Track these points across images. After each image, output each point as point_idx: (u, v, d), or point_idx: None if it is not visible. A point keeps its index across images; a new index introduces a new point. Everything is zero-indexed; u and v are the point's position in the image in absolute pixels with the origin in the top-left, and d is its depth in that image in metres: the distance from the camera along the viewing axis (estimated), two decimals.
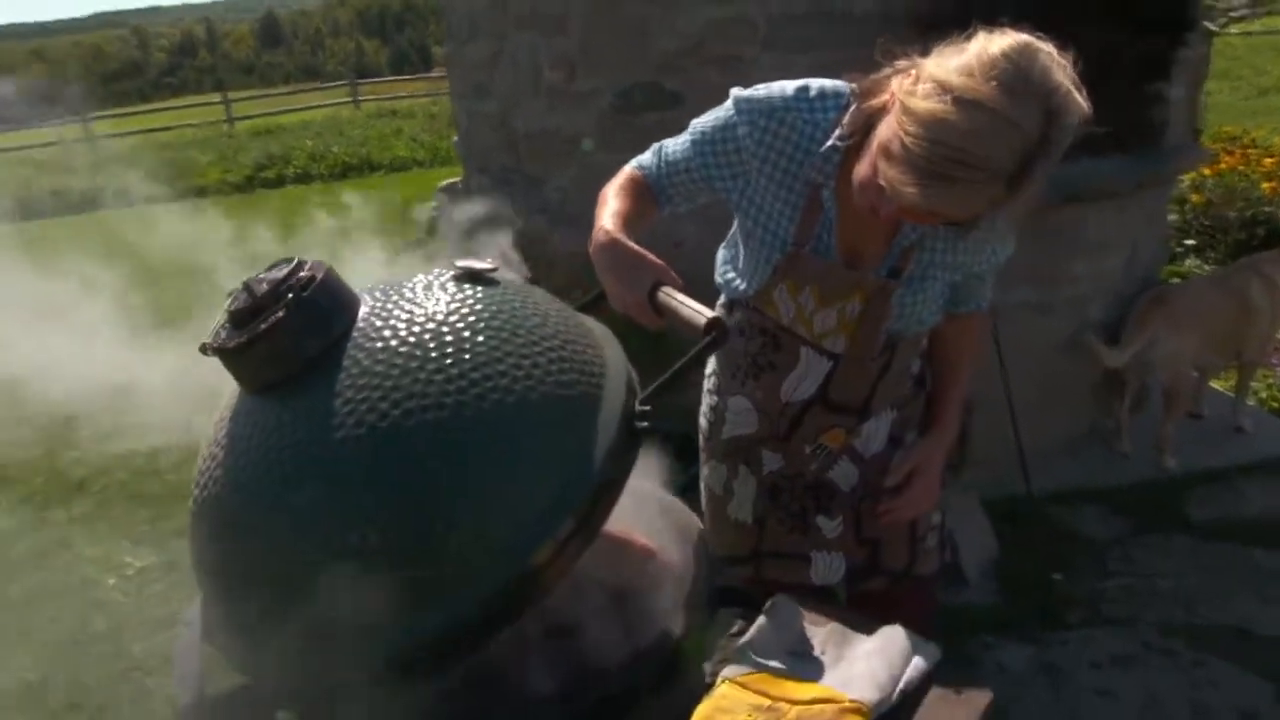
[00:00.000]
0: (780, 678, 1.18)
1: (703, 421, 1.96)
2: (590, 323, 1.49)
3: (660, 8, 3.61)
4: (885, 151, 1.32)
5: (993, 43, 1.25)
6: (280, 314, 1.24)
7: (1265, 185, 6.51)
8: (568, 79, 3.94)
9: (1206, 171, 6.58)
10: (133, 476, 4.59)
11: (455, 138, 5.44)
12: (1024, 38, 1.26)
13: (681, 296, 1.45)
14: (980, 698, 1.14)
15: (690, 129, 1.67)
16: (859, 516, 1.81)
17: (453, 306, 1.30)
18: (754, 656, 1.22)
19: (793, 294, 1.65)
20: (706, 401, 1.94)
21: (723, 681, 1.18)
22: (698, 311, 1.40)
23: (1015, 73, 1.22)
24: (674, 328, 1.46)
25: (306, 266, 1.30)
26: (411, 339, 1.25)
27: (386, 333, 1.26)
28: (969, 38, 1.28)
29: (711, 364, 1.92)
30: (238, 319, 1.28)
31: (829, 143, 1.52)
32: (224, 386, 1.37)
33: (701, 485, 1.99)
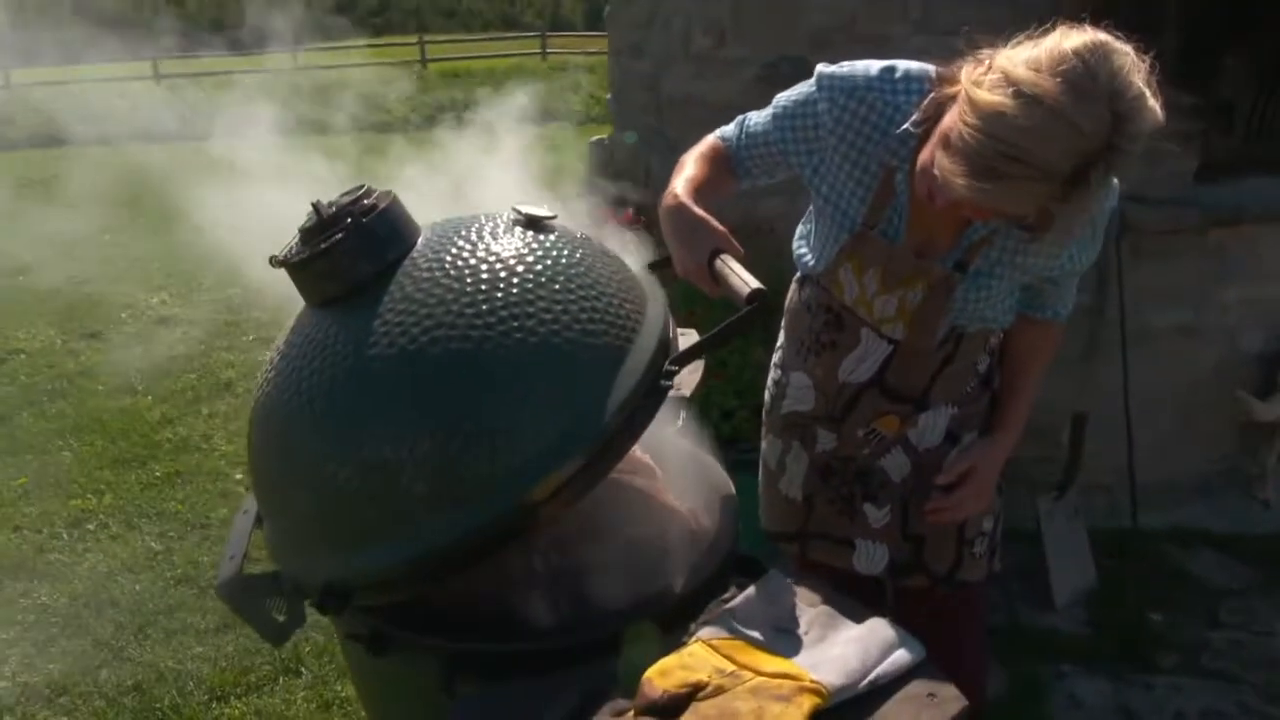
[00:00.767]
0: (755, 647, 1.19)
1: (766, 395, 1.96)
2: (643, 281, 1.52)
3: None
4: (944, 140, 1.28)
5: (1068, 39, 1.19)
6: (339, 236, 1.33)
7: None
8: (717, 45, 3.93)
9: None
10: None
11: (609, 95, 5.52)
12: (1102, 36, 1.20)
13: (736, 265, 1.46)
14: (953, 705, 1.12)
15: (774, 103, 1.67)
16: (906, 509, 1.78)
17: (499, 248, 1.36)
18: (734, 623, 1.24)
19: (857, 275, 1.62)
20: (771, 375, 1.94)
21: (695, 641, 1.21)
22: (745, 282, 1.40)
23: (1084, 71, 1.16)
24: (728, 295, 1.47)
25: (372, 195, 1.39)
26: (454, 273, 1.31)
27: (434, 265, 1.34)
28: (1048, 31, 1.23)
29: (780, 339, 1.92)
30: (305, 236, 1.38)
31: (904, 126, 1.48)
32: None
33: (761, 459, 2.00)
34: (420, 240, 1.40)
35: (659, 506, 1.54)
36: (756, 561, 1.49)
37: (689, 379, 2.13)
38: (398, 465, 1.21)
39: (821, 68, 1.59)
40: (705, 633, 1.22)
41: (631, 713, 1.07)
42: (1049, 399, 3.52)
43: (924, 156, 1.39)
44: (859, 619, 1.27)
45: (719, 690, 1.09)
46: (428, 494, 1.21)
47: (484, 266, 1.32)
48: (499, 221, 1.44)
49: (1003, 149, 1.19)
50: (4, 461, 4.19)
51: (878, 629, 1.23)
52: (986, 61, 1.27)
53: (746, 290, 1.38)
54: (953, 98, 1.36)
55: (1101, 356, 3.45)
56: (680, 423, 1.94)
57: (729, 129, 1.74)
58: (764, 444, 1.98)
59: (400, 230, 1.39)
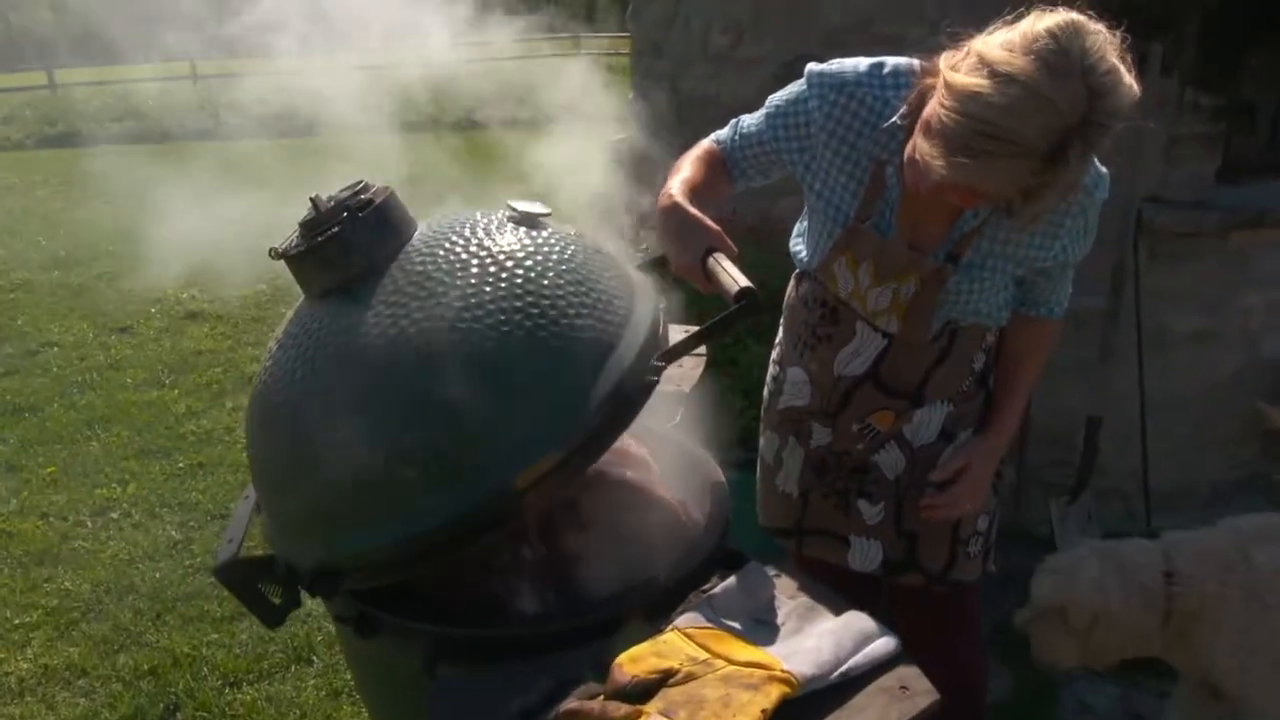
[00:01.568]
0: (732, 636, 1.21)
1: (765, 391, 1.98)
2: (635, 278, 1.54)
3: None
4: (925, 126, 1.30)
5: (1041, 20, 1.22)
6: (335, 229, 1.36)
7: None
8: (734, 44, 3.95)
9: None
10: None
11: (630, 95, 5.54)
12: (1075, 16, 1.22)
13: (728, 264, 1.48)
14: (923, 699, 1.13)
15: (767, 103, 1.69)
16: (900, 506, 1.78)
17: (492, 243, 1.38)
18: (712, 612, 1.25)
19: (851, 268, 1.64)
20: (770, 371, 1.96)
21: (671, 629, 1.23)
22: (735, 280, 1.42)
23: (1057, 49, 1.19)
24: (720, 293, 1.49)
25: (369, 191, 1.42)
26: (446, 267, 1.34)
27: (427, 259, 1.37)
28: (1023, 16, 1.25)
29: (779, 335, 1.93)
30: (304, 230, 1.41)
31: (892, 120, 1.50)
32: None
33: (759, 455, 2.02)
34: (416, 235, 1.44)
35: (650, 499, 1.56)
36: (743, 555, 1.51)
37: (689, 375, 2.15)
38: (385, 452, 1.24)
39: (812, 66, 1.61)
40: (682, 621, 1.24)
41: (601, 697, 1.10)
42: (1064, 403, 3.52)
43: (909, 146, 1.41)
44: (837, 611, 1.28)
45: (690, 677, 1.11)
46: (414, 480, 1.24)
47: (475, 261, 1.34)
48: (493, 218, 1.46)
49: (980, 127, 1.21)
50: (34, 451, 4.30)
51: (853, 621, 1.24)
52: (965, 48, 1.29)
53: (736, 288, 1.40)
54: (932, 86, 1.37)
55: (1118, 360, 3.42)
56: (679, 418, 1.96)
57: (724, 131, 1.76)
58: (762, 439, 2.00)
59: (396, 225, 1.42)
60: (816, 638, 1.20)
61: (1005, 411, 1.75)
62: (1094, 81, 1.19)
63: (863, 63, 1.56)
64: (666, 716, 1.05)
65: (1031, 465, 3.52)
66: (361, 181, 1.45)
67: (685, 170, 1.67)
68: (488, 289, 1.31)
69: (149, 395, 4.86)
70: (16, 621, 3.08)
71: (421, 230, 1.45)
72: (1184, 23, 3.07)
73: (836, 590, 1.42)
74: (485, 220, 1.45)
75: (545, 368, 1.28)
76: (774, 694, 1.08)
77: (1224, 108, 3.29)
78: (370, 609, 1.35)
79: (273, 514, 1.43)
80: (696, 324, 1.64)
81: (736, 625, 1.24)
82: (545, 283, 1.35)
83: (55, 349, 5.56)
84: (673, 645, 1.18)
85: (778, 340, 1.94)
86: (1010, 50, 1.21)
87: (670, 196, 1.57)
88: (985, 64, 1.22)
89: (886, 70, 1.54)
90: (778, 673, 1.12)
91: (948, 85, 1.25)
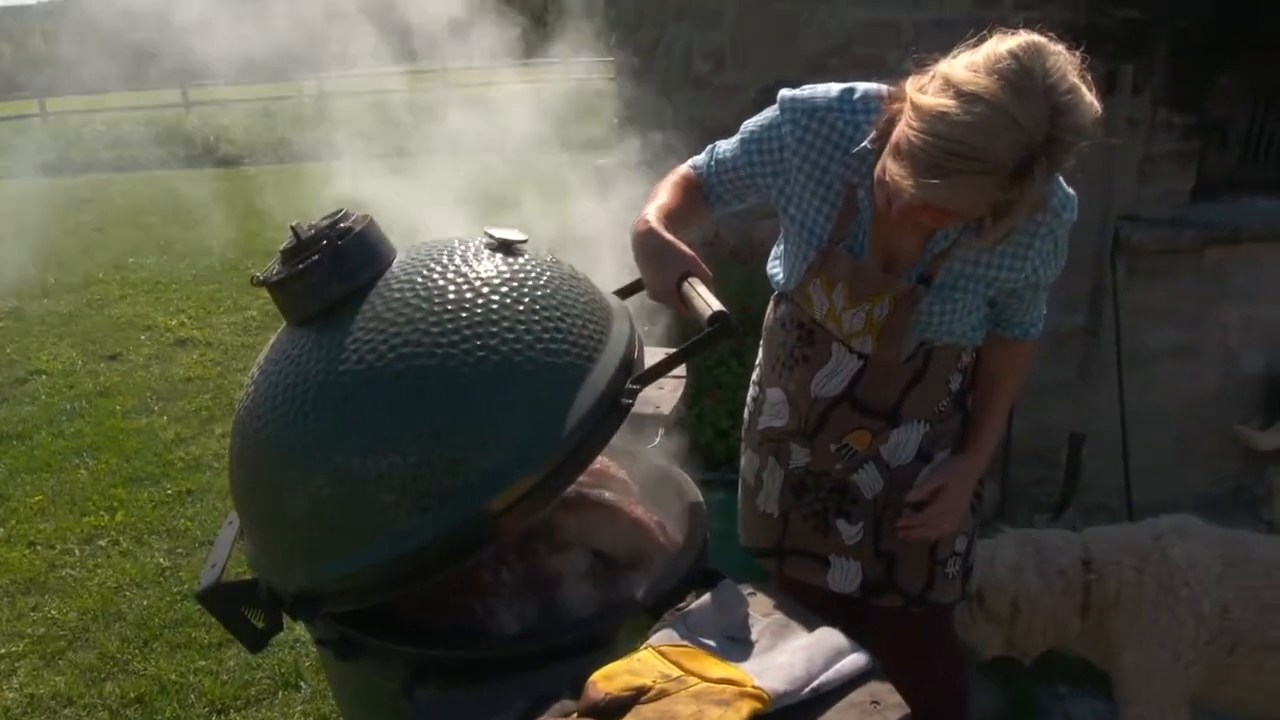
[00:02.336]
0: (705, 653, 1.23)
1: (745, 412, 2.00)
2: (610, 303, 1.57)
3: (811, 6, 3.61)
4: (895, 149, 1.34)
5: (1003, 42, 1.26)
6: (315, 257, 1.39)
7: None
8: (715, 71, 4.00)
9: None
10: None
11: (615, 120, 5.61)
12: (1035, 37, 1.26)
13: (702, 288, 1.51)
14: (893, 713, 1.15)
15: (741, 129, 1.72)
16: (879, 526, 1.80)
17: (469, 270, 1.41)
18: (686, 630, 1.27)
19: (826, 290, 1.67)
20: (750, 392, 1.99)
21: (645, 647, 1.24)
22: (708, 304, 1.45)
23: (1019, 69, 1.23)
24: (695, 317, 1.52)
25: (348, 219, 1.45)
26: (423, 294, 1.37)
27: (405, 286, 1.39)
28: (985, 39, 1.29)
29: (759, 356, 1.96)
30: (285, 257, 1.44)
31: (863, 144, 1.54)
32: None
33: (740, 475, 2.04)
34: (395, 262, 1.46)
35: (627, 519, 1.58)
36: (719, 573, 1.53)
37: (668, 398, 2.17)
38: (363, 476, 1.26)
39: (784, 92, 1.65)
40: (656, 638, 1.26)
41: (575, 714, 1.11)
42: (1046, 420, 3.55)
43: (878, 169, 1.44)
44: (811, 628, 1.30)
45: (662, 694, 1.13)
46: (392, 504, 1.26)
47: (451, 288, 1.37)
48: (471, 245, 1.49)
49: (947, 146, 1.25)
50: (22, 479, 4.29)
51: (825, 637, 1.26)
52: (930, 72, 1.33)
53: (709, 312, 1.42)
54: (902, 111, 1.41)
55: (1099, 377, 3.46)
56: (658, 439, 1.99)
57: (700, 157, 1.80)
58: (743, 460, 2.02)
59: (374, 252, 1.44)
60: (789, 654, 1.22)
61: (982, 432, 1.77)
62: (1056, 100, 1.23)
63: (834, 88, 1.60)
64: None
65: (1016, 482, 3.55)
66: (341, 210, 1.48)
67: (661, 196, 1.70)
68: (464, 315, 1.34)
69: (138, 422, 4.86)
70: (2, 651, 3.07)
71: (400, 257, 1.48)
72: (1154, 44, 3.13)
73: (817, 612, 1.44)
74: (463, 247, 1.48)
75: (522, 391, 1.30)
76: (745, 710, 1.10)
77: (1196, 126, 3.35)
78: (351, 631, 1.36)
79: (255, 539, 1.45)
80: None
81: (710, 642, 1.26)
82: (520, 309, 1.37)
83: (44, 376, 5.56)
84: (646, 662, 1.20)
85: (758, 361, 1.96)
86: (974, 71, 1.25)
87: (646, 222, 1.60)
88: (950, 85, 1.26)
89: (857, 96, 1.58)
90: (749, 689, 1.14)
91: (915, 107, 1.29)
